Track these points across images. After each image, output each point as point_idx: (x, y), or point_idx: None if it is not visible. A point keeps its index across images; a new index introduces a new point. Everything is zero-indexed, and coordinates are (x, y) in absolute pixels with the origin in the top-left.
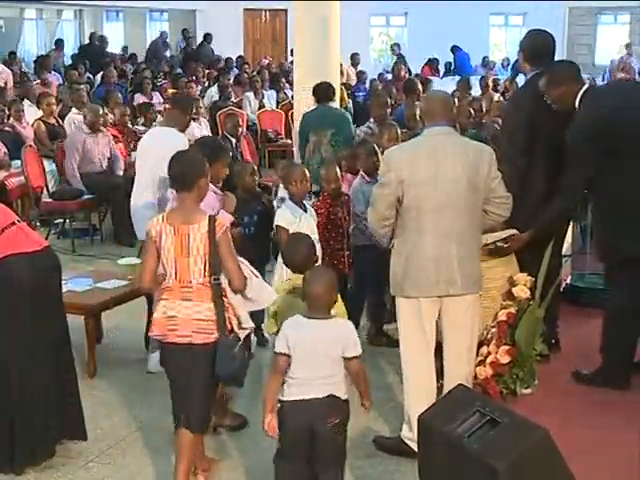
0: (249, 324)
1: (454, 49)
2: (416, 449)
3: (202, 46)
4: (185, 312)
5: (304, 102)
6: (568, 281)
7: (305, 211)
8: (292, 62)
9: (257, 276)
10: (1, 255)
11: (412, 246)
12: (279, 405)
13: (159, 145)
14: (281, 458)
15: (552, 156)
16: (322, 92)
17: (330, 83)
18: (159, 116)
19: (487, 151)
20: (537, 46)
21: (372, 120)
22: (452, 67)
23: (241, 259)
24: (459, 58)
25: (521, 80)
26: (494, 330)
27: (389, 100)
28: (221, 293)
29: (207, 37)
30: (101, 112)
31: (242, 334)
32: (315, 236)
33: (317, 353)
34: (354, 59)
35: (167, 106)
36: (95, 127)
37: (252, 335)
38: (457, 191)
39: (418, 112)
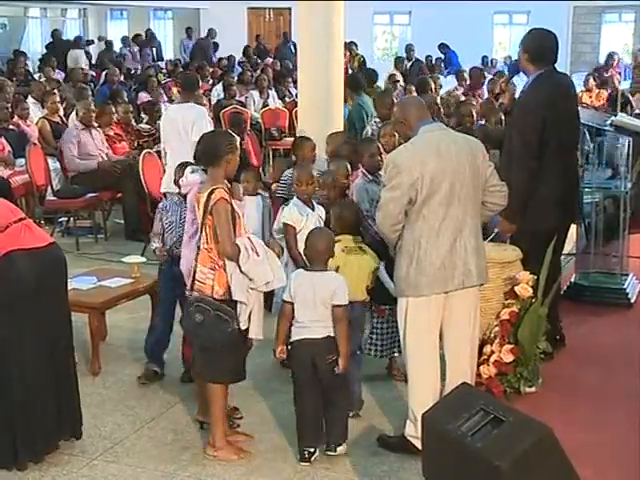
0: (241, 298)
1: (443, 47)
2: (420, 447)
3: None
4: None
5: (308, 100)
6: (573, 279)
7: (313, 210)
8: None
9: (258, 255)
10: (4, 251)
11: (425, 243)
12: (289, 346)
13: (185, 116)
14: (297, 394)
15: (561, 157)
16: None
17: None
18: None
19: (478, 142)
20: (540, 46)
21: (377, 119)
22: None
23: (252, 236)
24: (449, 56)
25: (519, 80)
26: (497, 329)
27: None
28: (196, 257)
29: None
30: (93, 107)
31: (243, 310)
32: None
33: (315, 300)
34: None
35: (178, 89)
36: (88, 122)
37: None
38: (462, 183)
39: (399, 117)
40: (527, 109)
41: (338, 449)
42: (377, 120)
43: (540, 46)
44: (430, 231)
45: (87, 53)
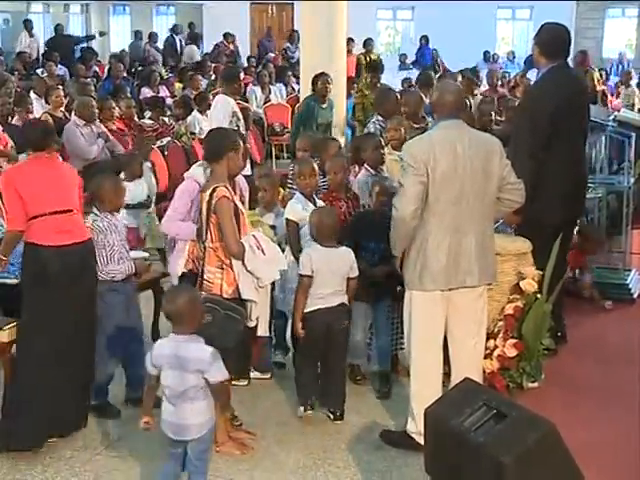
0: (250, 296)
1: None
2: (422, 442)
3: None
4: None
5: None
6: (576, 275)
7: (315, 205)
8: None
9: (264, 253)
10: (28, 240)
11: (431, 239)
12: (304, 316)
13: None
14: (300, 355)
15: (570, 151)
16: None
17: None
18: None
19: (496, 142)
20: (554, 40)
21: (380, 117)
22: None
23: (256, 233)
24: (424, 52)
25: (533, 75)
26: (501, 323)
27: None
28: (204, 256)
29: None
30: (93, 104)
31: (253, 308)
32: None
33: (332, 273)
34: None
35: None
36: (87, 118)
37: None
38: (474, 183)
39: (432, 100)
40: (538, 99)
41: (345, 417)
42: (380, 118)
43: (552, 40)
44: (438, 229)
45: (90, 48)
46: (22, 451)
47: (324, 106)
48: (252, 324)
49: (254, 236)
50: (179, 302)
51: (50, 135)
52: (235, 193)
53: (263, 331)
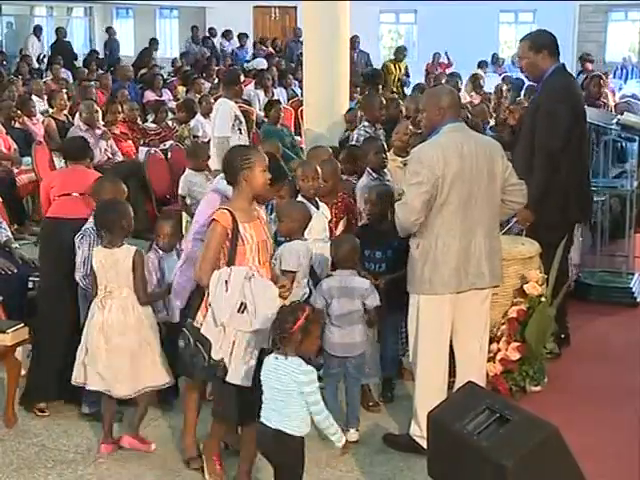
0: (205, 331)
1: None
2: (425, 446)
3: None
4: None
5: (314, 99)
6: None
7: (317, 208)
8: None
9: (227, 290)
10: (51, 215)
11: (441, 243)
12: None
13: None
14: None
15: (581, 151)
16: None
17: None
18: (170, 114)
19: (496, 143)
20: (552, 40)
21: (366, 123)
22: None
23: (237, 267)
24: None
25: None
26: (505, 327)
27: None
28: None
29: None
30: (95, 108)
31: (213, 347)
32: (326, 234)
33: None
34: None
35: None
36: (91, 123)
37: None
38: (480, 185)
39: (441, 105)
40: (556, 100)
41: None
42: (366, 124)
43: (552, 40)
44: (447, 232)
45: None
46: (39, 401)
47: (284, 130)
48: (217, 357)
49: (230, 269)
50: (342, 248)
51: (86, 149)
52: (256, 218)
53: (233, 378)
